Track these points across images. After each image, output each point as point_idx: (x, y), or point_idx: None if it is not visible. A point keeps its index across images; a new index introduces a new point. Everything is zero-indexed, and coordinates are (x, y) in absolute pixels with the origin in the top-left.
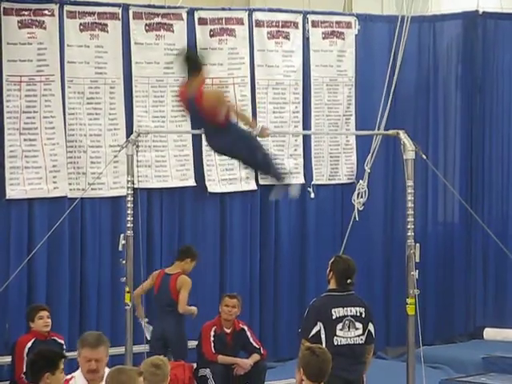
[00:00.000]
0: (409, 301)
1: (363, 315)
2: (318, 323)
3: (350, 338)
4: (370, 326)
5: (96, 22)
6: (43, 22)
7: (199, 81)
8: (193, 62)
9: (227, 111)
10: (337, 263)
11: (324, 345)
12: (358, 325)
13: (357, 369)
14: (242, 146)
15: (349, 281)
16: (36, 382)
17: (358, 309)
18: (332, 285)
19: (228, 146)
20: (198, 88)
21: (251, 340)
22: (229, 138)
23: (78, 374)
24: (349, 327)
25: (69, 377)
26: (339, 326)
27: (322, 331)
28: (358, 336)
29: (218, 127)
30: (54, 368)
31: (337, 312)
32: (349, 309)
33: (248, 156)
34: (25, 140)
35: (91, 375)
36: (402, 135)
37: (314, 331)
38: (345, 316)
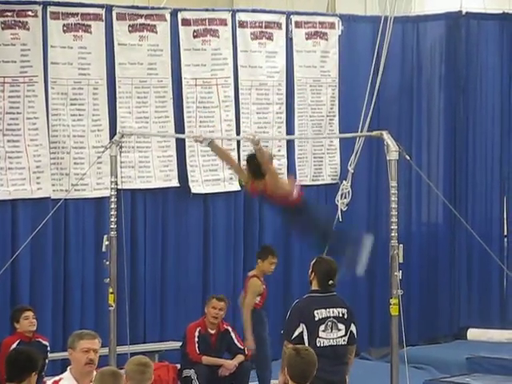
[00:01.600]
0: (392, 301)
1: (345, 316)
2: (301, 325)
3: (333, 339)
4: (352, 327)
5: (79, 23)
6: (26, 22)
7: (263, 183)
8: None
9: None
10: (319, 264)
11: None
12: (341, 326)
13: (339, 370)
14: (320, 218)
15: (330, 282)
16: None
17: (340, 310)
18: (314, 286)
19: (311, 220)
20: (263, 187)
21: (235, 341)
22: (307, 214)
23: (66, 375)
24: (331, 328)
25: (57, 378)
26: (322, 327)
27: (305, 332)
28: (341, 337)
29: (295, 207)
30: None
31: (319, 313)
32: (331, 310)
33: (326, 227)
34: (8, 141)
35: (89, 367)
36: (386, 136)
37: (296, 333)
38: (327, 317)
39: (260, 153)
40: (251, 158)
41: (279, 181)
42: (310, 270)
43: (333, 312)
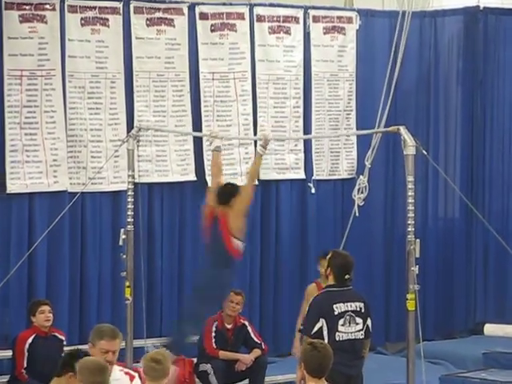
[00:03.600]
0: (409, 296)
1: (362, 310)
2: (321, 320)
3: (351, 333)
4: (368, 321)
5: (97, 17)
6: (44, 16)
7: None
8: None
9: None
10: (334, 259)
11: (326, 341)
12: (359, 320)
13: (357, 364)
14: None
15: (347, 276)
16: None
17: (357, 304)
18: (330, 280)
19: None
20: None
21: (252, 335)
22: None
23: None
24: (349, 322)
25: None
26: (341, 321)
27: (325, 327)
28: (359, 331)
29: (224, 255)
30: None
31: (338, 307)
32: (349, 304)
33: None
34: (25, 134)
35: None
36: (403, 131)
37: (316, 328)
38: (346, 311)
39: (258, 162)
40: (230, 184)
41: (239, 220)
42: (326, 265)
43: (351, 306)
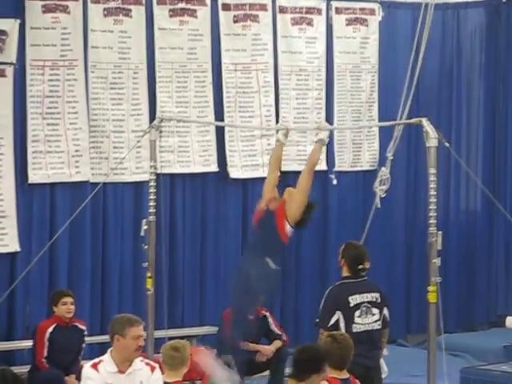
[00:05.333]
0: (430, 288)
1: (378, 300)
2: (337, 312)
3: (368, 324)
4: (385, 311)
5: (120, 7)
6: (67, 6)
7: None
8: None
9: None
10: (348, 250)
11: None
12: (375, 310)
13: (375, 355)
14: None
15: (360, 266)
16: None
17: (373, 294)
18: (345, 272)
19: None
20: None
21: (273, 327)
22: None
23: (106, 358)
24: (366, 313)
25: (96, 361)
26: (357, 313)
27: (341, 319)
28: (375, 321)
29: (278, 243)
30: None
31: (354, 299)
32: (365, 295)
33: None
34: (47, 125)
35: (137, 352)
36: (425, 123)
37: (332, 320)
38: (361, 303)
39: (278, 150)
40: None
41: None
42: (340, 257)
43: (366, 297)
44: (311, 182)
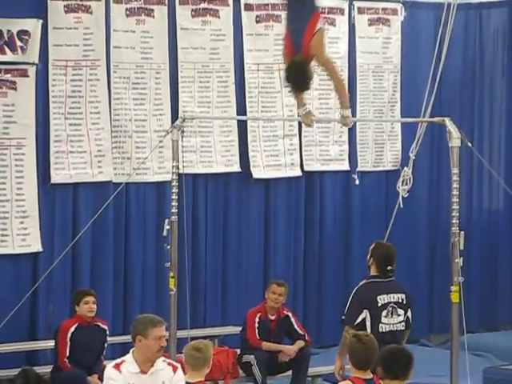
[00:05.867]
0: (453, 288)
1: (404, 301)
2: (364, 311)
3: (393, 324)
4: (409, 313)
5: (142, 7)
6: (89, 6)
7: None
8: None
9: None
10: (377, 249)
11: (369, 332)
12: (400, 311)
13: None
14: None
15: (389, 267)
16: None
17: (400, 295)
18: (373, 271)
19: None
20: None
21: (296, 326)
22: None
23: (128, 358)
24: (392, 314)
25: (119, 361)
26: (384, 312)
27: (368, 318)
28: (400, 322)
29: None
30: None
31: (382, 299)
32: (392, 295)
33: None
34: (70, 125)
35: (160, 353)
36: (448, 122)
37: (359, 319)
38: (389, 303)
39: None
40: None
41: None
42: (369, 255)
43: (393, 297)
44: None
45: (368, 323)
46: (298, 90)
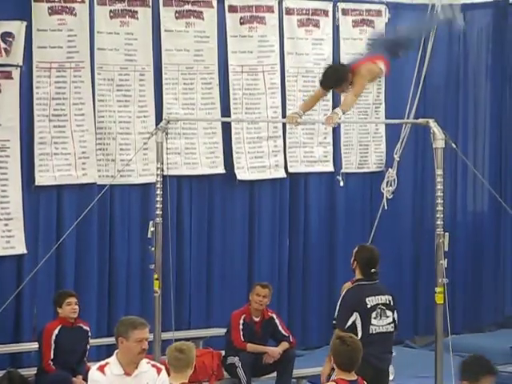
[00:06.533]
0: (437, 290)
1: (391, 303)
2: (354, 313)
3: (382, 326)
4: (395, 314)
5: (126, 9)
6: (73, 8)
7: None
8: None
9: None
10: (361, 253)
11: (360, 334)
12: (389, 313)
13: (387, 358)
14: None
15: (373, 270)
16: None
17: (387, 297)
18: (358, 275)
19: None
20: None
21: (280, 328)
22: None
23: (112, 360)
24: (381, 315)
25: (103, 363)
26: (373, 314)
27: (358, 321)
28: (389, 324)
29: None
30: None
31: (370, 301)
32: (379, 297)
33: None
34: (54, 127)
35: (142, 355)
36: (432, 124)
37: (350, 322)
38: (377, 304)
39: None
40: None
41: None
42: (353, 259)
43: (381, 299)
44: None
45: (359, 326)
46: (327, 82)
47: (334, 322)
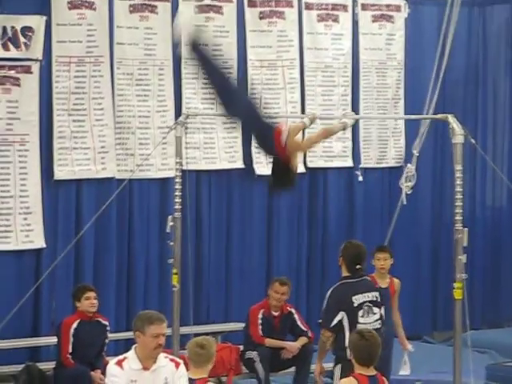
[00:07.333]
0: (456, 285)
1: (378, 299)
2: (341, 313)
3: (370, 323)
4: (382, 310)
5: (146, 4)
6: (93, 3)
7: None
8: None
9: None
10: (347, 249)
11: (347, 333)
12: (376, 309)
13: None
14: None
15: (358, 266)
16: None
17: (373, 293)
18: (344, 272)
19: None
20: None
21: (299, 323)
22: None
23: (131, 355)
24: (368, 313)
25: (121, 358)
26: (360, 312)
27: (345, 319)
28: (376, 321)
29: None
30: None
31: (357, 299)
32: (366, 294)
33: None
34: (73, 121)
35: (158, 350)
36: (451, 119)
37: (335, 321)
38: (364, 302)
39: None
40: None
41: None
42: (339, 255)
43: (367, 296)
44: (317, 144)
45: (346, 324)
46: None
47: (320, 320)
